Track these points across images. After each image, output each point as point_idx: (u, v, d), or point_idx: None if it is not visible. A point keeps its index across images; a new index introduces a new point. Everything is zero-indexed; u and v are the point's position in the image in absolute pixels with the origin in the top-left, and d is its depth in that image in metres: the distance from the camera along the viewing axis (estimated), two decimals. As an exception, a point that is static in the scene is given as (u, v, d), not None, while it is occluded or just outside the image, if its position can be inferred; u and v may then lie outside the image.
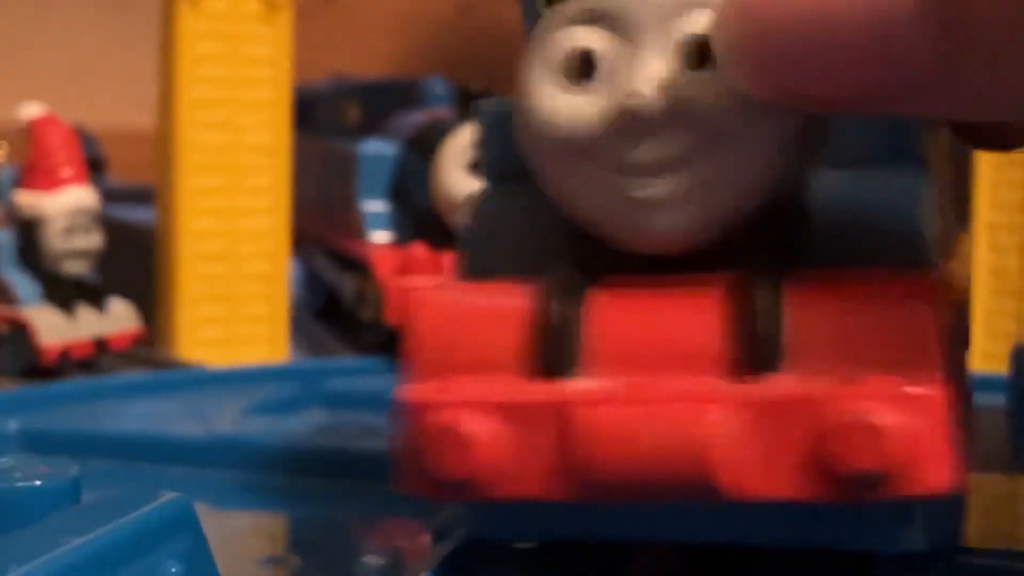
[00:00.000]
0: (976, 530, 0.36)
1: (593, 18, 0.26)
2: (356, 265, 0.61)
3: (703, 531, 0.27)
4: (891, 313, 0.25)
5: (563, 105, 0.26)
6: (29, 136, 0.54)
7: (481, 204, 0.30)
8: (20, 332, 0.53)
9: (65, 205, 0.54)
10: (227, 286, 0.58)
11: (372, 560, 0.37)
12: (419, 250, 0.57)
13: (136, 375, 0.54)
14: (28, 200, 0.54)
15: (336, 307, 0.65)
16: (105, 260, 0.57)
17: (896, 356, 0.24)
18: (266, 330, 0.59)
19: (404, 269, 0.57)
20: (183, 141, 0.58)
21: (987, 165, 0.60)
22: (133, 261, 0.61)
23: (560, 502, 0.26)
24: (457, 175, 0.57)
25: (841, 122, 0.27)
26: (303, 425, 0.47)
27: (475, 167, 0.58)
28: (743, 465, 0.25)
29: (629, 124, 0.25)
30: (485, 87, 0.61)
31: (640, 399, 0.25)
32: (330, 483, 0.42)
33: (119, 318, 0.55)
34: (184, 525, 0.27)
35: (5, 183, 0.56)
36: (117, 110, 1.11)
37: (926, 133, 0.28)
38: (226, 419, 0.47)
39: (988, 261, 0.60)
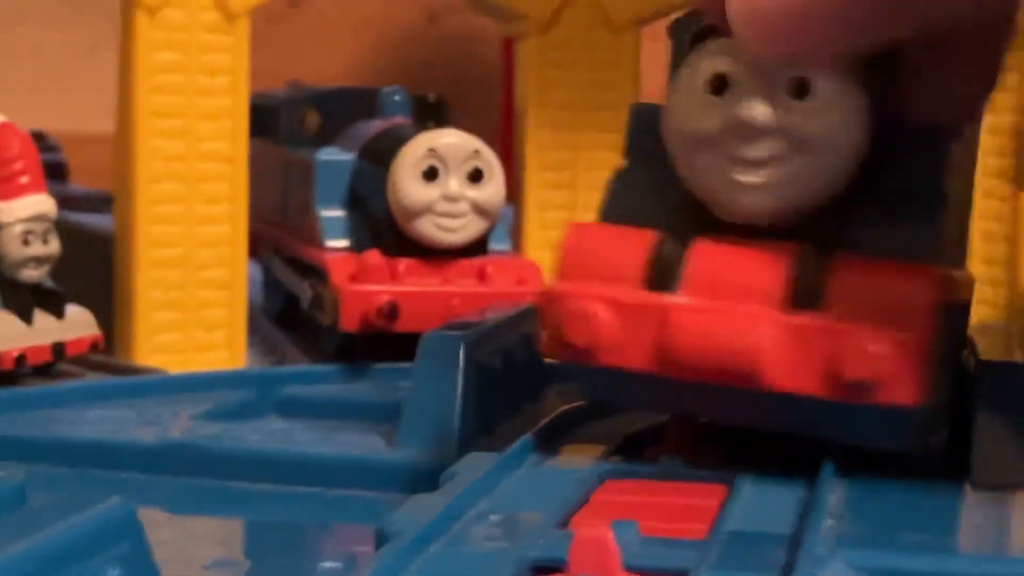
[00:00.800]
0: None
1: (727, 52, 0.38)
2: (313, 271, 0.61)
3: (741, 415, 0.39)
4: (897, 286, 0.37)
5: (699, 113, 0.38)
6: (-13, 144, 0.55)
7: (621, 173, 0.41)
8: (-23, 339, 0.54)
9: (23, 212, 0.54)
10: (185, 292, 0.59)
11: (326, 565, 0.38)
12: (374, 257, 0.58)
13: (92, 381, 0.55)
14: (-14, 208, 0.54)
15: (294, 312, 0.65)
16: (64, 265, 0.57)
17: (893, 314, 0.36)
18: (224, 336, 0.60)
19: (359, 276, 0.57)
20: (141, 148, 0.58)
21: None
22: (92, 266, 0.62)
23: (647, 376, 0.37)
24: (412, 184, 0.58)
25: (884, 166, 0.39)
26: (258, 431, 0.48)
27: (429, 175, 0.58)
28: (781, 366, 0.36)
29: (745, 130, 0.38)
30: (440, 97, 0.62)
31: (717, 313, 0.37)
32: (284, 489, 0.43)
33: (77, 324, 0.56)
34: (125, 530, 0.27)
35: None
36: (82, 114, 1.11)
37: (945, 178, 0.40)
38: (180, 425, 0.48)
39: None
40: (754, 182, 0.38)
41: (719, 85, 0.38)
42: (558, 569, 0.31)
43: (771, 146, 0.38)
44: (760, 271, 0.38)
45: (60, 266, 0.57)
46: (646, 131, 0.41)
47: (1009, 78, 0.60)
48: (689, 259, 0.38)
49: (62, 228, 0.56)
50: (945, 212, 0.40)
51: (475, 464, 0.40)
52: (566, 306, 0.38)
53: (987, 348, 0.53)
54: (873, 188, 0.39)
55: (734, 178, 0.38)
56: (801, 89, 0.38)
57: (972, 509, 0.39)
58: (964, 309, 0.41)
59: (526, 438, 0.43)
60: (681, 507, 0.37)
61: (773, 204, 0.38)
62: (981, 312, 0.61)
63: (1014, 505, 0.39)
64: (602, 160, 0.65)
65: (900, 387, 0.36)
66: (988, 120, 0.60)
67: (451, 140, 0.59)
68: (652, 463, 0.41)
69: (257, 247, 0.72)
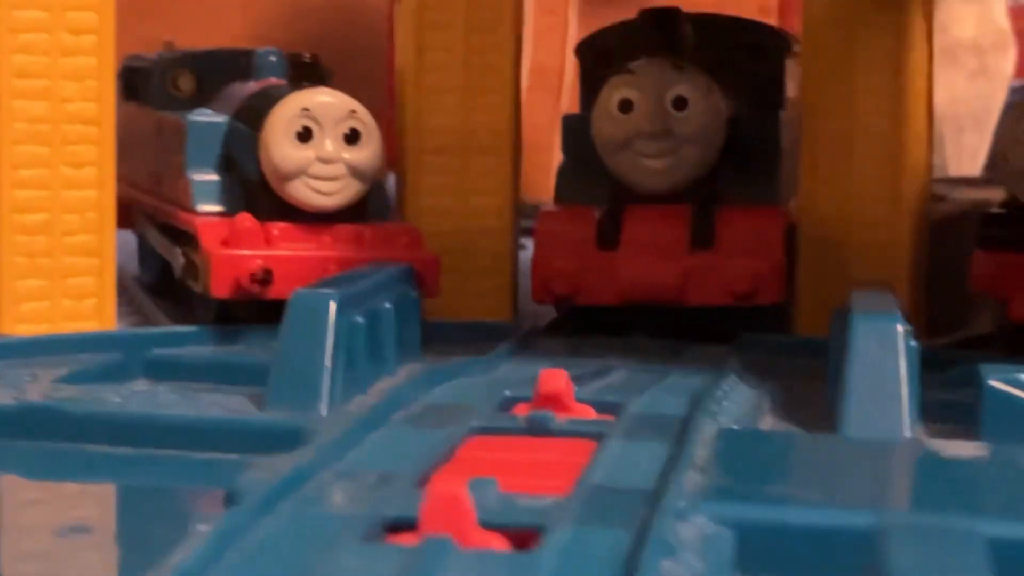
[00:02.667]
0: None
1: (630, 83, 0.58)
2: (186, 237, 0.60)
3: (668, 322, 0.58)
4: (762, 224, 0.58)
5: (616, 124, 0.58)
6: None
7: (563, 166, 0.62)
8: None
9: None
10: (51, 259, 0.57)
11: (183, 531, 0.37)
12: (246, 221, 0.56)
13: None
14: None
15: (170, 282, 0.64)
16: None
17: (763, 244, 0.57)
18: (93, 305, 0.58)
19: (231, 241, 0.56)
20: (2, 110, 0.56)
21: (811, 137, 0.61)
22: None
23: (608, 307, 0.57)
24: (285, 145, 0.57)
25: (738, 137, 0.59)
26: (119, 394, 0.46)
27: (303, 136, 0.57)
28: (693, 288, 0.56)
29: (646, 134, 0.57)
30: (315, 57, 0.61)
31: (648, 259, 0.57)
32: (146, 453, 0.42)
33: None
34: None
35: None
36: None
37: (779, 139, 0.61)
38: (39, 388, 0.46)
39: (812, 232, 0.61)
40: (656, 167, 0.58)
41: (625, 106, 0.58)
42: (412, 527, 0.30)
43: (665, 144, 0.57)
44: (671, 227, 0.58)
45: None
46: (575, 134, 0.61)
47: (890, 39, 0.60)
48: (623, 225, 0.58)
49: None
50: (781, 165, 0.61)
51: (336, 423, 0.39)
52: (549, 269, 0.57)
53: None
54: (730, 156, 0.59)
55: (643, 167, 0.58)
56: (681, 104, 0.57)
57: (840, 461, 0.39)
58: (793, 227, 0.60)
59: (391, 396, 0.42)
60: (547, 463, 0.37)
61: (671, 181, 0.58)
62: (861, 274, 0.61)
63: (881, 457, 0.39)
64: (485, 123, 0.64)
65: (771, 292, 0.57)
66: (868, 82, 0.60)
67: (325, 99, 0.57)
68: (520, 418, 0.40)
69: (132, 215, 0.70)
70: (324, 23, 1.25)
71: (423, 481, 0.34)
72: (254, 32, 1.23)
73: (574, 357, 0.53)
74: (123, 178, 0.62)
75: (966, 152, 0.88)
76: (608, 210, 0.58)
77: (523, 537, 0.30)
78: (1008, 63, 0.89)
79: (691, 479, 0.34)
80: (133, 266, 0.73)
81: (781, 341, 0.57)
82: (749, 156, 0.60)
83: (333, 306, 0.45)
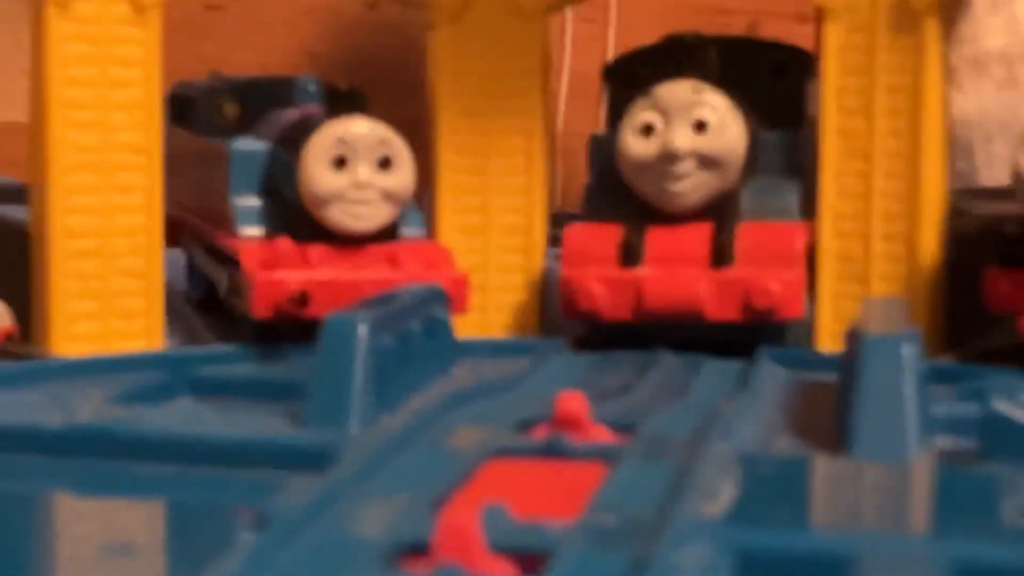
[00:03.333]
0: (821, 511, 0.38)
1: (653, 106, 0.61)
2: (231, 259, 0.62)
3: (692, 337, 0.60)
4: (781, 240, 0.60)
5: (639, 147, 0.61)
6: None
7: (590, 184, 0.65)
8: None
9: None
10: (101, 282, 0.60)
11: (223, 548, 0.39)
12: (284, 244, 0.59)
13: (4, 366, 0.55)
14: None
15: (215, 300, 0.66)
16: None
17: (783, 261, 0.59)
18: (142, 325, 0.60)
19: (270, 263, 0.58)
20: (55, 140, 0.59)
21: (832, 155, 0.62)
22: (6, 257, 0.62)
23: (630, 324, 0.60)
24: (322, 172, 0.59)
25: (759, 156, 0.62)
26: (167, 413, 0.49)
27: (338, 163, 0.59)
28: (714, 305, 0.59)
29: (669, 157, 0.60)
30: (352, 86, 0.63)
31: (669, 277, 0.59)
32: (189, 471, 0.44)
33: (-8, 315, 0.57)
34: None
35: None
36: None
37: (800, 157, 0.64)
38: (89, 408, 0.48)
39: (834, 247, 0.63)
40: (677, 189, 0.61)
41: (648, 129, 0.61)
42: (426, 551, 0.32)
43: (686, 166, 0.60)
44: (692, 245, 0.60)
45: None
46: (602, 154, 0.64)
47: (906, 60, 0.61)
48: (646, 243, 0.61)
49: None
50: (803, 183, 0.63)
51: (364, 444, 0.41)
52: (574, 286, 0.60)
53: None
54: (752, 174, 0.62)
55: (665, 188, 0.61)
56: (701, 126, 0.60)
57: (845, 485, 0.40)
58: (814, 244, 0.63)
59: (417, 417, 0.44)
60: (559, 487, 0.38)
61: (692, 202, 0.61)
62: (881, 288, 0.62)
63: (887, 480, 0.40)
64: (513, 146, 0.66)
65: (790, 308, 0.59)
66: (886, 102, 0.62)
67: (360, 129, 0.60)
68: (537, 440, 0.42)
69: (180, 235, 0.73)
70: (370, 41, 1.27)
71: (440, 504, 0.36)
72: (302, 48, 1.25)
73: (597, 373, 0.55)
74: (172, 199, 0.65)
75: (996, 161, 0.89)
76: (631, 228, 0.61)
77: (532, 561, 0.32)
78: (1037, 73, 0.90)
79: (697, 504, 0.35)
80: (182, 284, 0.75)
81: (801, 356, 0.59)
82: (770, 174, 0.62)
83: (364, 329, 0.47)
